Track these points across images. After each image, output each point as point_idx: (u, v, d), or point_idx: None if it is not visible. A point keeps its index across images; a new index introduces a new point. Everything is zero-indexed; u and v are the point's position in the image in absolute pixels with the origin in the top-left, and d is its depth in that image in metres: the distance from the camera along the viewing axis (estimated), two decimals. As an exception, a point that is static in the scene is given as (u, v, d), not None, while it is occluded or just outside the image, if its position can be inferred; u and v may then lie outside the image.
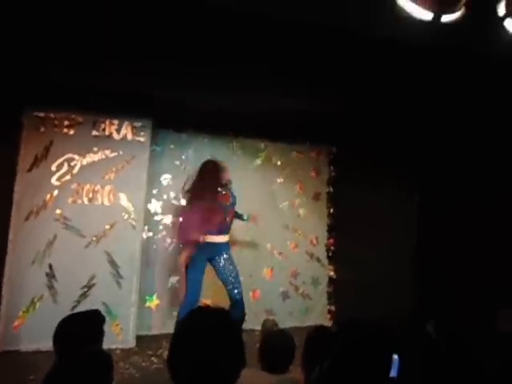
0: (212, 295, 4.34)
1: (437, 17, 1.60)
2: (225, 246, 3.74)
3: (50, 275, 3.89)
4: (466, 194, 3.46)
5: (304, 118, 4.46)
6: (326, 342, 1.54)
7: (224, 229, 3.72)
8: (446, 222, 3.62)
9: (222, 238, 3.70)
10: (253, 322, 4.69)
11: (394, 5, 1.62)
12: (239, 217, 4.03)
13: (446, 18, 1.63)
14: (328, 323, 5.05)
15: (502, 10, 1.67)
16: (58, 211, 3.98)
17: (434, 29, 1.59)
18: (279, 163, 5.17)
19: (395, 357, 0.85)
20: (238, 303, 3.56)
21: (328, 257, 5.23)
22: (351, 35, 2.31)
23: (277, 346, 2.07)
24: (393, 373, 0.85)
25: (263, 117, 4.43)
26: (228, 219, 3.74)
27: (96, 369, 1.17)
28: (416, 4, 1.59)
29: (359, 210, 4.67)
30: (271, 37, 2.79)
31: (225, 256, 3.66)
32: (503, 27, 1.70)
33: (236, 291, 3.60)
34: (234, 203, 3.85)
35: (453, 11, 1.61)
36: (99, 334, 1.75)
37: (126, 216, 4.17)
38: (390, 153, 4.22)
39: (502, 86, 2.62)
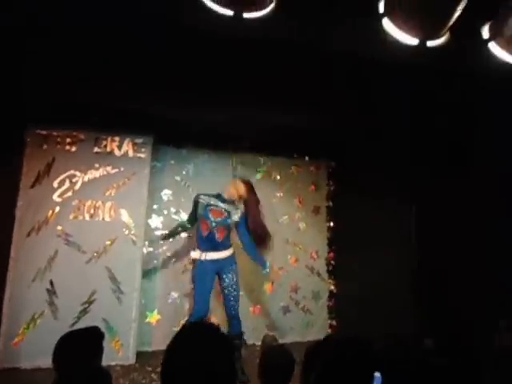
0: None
1: (422, 42, 1.67)
2: (230, 261, 3.74)
3: (51, 291, 3.90)
4: (465, 206, 3.48)
5: (303, 133, 4.52)
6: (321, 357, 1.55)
7: (221, 245, 3.72)
8: (446, 235, 3.63)
9: (220, 255, 3.71)
10: (253, 337, 4.67)
11: (381, 28, 1.69)
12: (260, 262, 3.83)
13: (432, 43, 1.69)
14: (329, 338, 5.02)
15: (485, 33, 1.73)
16: (60, 227, 4.02)
17: (421, 52, 1.65)
18: (279, 178, 5.23)
19: (377, 375, 0.88)
20: (233, 319, 3.67)
21: (328, 271, 5.23)
22: (346, 55, 2.38)
23: (276, 362, 2.07)
24: None
25: (262, 132, 4.50)
26: (218, 236, 3.70)
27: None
28: (402, 31, 1.66)
29: (359, 223, 4.68)
30: (269, 56, 2.87)
31: (230, 273, 3.70)
32: (487, 50, 1.75)
33: (232, 308, 3.68)
34: (225, 222, 3.73)
35: (438, 37, 1.67)
36: (98, 351, 1.76)
37: (127, 232, 4.21)
38: (387, 166, 4.26)
39: (487, 106, 2.69)
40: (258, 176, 5.15)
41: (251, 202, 3.76)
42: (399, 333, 3.66)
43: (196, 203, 3.84)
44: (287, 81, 3.19)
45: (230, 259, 3.74)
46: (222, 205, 3.77)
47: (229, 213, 3.76)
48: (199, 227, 3.77)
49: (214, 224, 3.69)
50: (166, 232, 4.19)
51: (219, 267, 3.69)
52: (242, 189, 3.76)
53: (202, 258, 3.67)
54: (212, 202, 3.77)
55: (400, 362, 1.63)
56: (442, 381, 1.55)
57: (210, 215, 3.72)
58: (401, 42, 1.65)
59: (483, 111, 2.85)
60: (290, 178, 5.26)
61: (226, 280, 3.68)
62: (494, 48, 1.73)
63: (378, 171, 4.37)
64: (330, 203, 5.37)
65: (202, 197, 3.82)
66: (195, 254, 3.73)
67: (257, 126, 4.34)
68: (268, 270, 3.83)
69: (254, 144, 4.89)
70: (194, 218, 3.88)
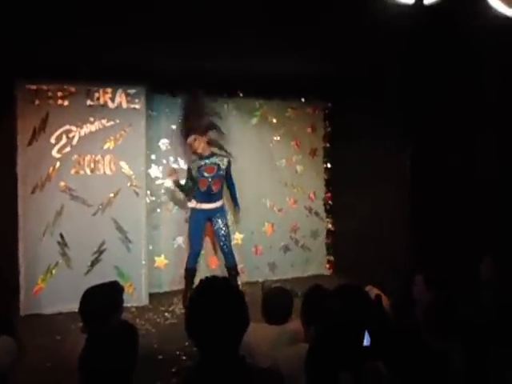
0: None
1: (419, 1, 1.61)
2: (219, 210, 4.38)
3: (62, 244, 4.09)
4: (459, 146, 3.55)
5: (298, 75, 4.42)
6: (319, 302, 1.72)
7: (214, 197, 4.32)
8: (439, 174, 3.74)
9: (211, 205, 4.32)
10: (256, 275, 5.01)
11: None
12: (234, 201, 4.57)
13: (428, 1, 1.63)
14: (327, 272, 5.37)
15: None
16: (62, 183, 4.10)
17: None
18: (275, 121, 5.21)
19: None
20: (226, 254, 4.37)
21: (326, 210, 5.43)
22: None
23: (276, 302, 2.27)
24: (366, 342, 1.03)
25: (257, 76, 4.40)
26: (214, 188, 4.28)
27: (125, 339, 1.35)
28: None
29: (355, 164, 4.77)
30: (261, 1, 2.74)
31: (220, 219, 4.35)
32: (486, 3, 1.69)
33: (225, 246, 4.36)
34: (218, 174, 4.29)
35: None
36: (120, 303, 1.94)
37: (129, 183, 4.30)
38: (384, 107, 4.23)
39: (484, 57, 2.63)
40: (254, 120, 5.13)
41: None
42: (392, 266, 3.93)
43: (189, 170, 4.36)
44: (280, 23, 3.08)
45: (220, 208, 4.39)
46: (209, 162, 4.29)
47: (218, 165, 4.30)
48: (198, 184, 4.31)
49: (210, 179, 4.26)
50: (180, 182, 4.43)
51: (210, 214, 4.34)
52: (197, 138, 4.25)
53: (197, 207, 4.32)
54: (202, 163, 4.29)
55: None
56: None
57: (205, 173, 4.26)
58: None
59: (479, 58, 2.80)
60: (287, 121, 5.24)
61: (217, 224, 4.33)
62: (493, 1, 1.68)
63: (374, 111, 4.36)
64: (327, 144, 5.41)
65: (192, 164, 4.35)
66: (191, 204, 4.38)
67: (251, 70, 4.23)
68: (239, 208, 4.62)
69: (249, 88, 4.79)
70: (191, 182, 4.36)
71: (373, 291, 2.27)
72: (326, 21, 2.98)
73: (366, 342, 1.02)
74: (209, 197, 4.28)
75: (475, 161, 3.23)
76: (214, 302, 1.20)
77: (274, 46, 3.49)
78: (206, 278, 1.30)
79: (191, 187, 4.34)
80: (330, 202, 5.40)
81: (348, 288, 1.57)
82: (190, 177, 4.35)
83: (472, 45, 2.58)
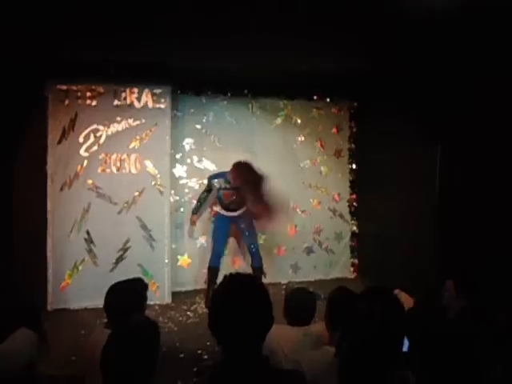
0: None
1: None
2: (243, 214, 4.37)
3: (89, 241, 4.18)
4: (489, 148, 3.39)
5: (323, 74, 4.36)
6: (345, 304, 1.67)
7: (233, 208, 4.33)
8: (468, 176, 3.59)
9: (237, 213, 4.35)
10: (278, 276, 4.96)
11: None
12: None
13: None
14: (351, 275, 5.26)
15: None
16: (90, 181, 4.19)
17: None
18: (299, 121, 5.15)
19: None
20: (254, 255, 4.37)
21: (351, 212, 5.31)
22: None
23: (299, 303, 2.22)
24: (405, 348, 0.97)
25: (282, 76, 4.36)
26: (232, 206, 4.31)
27: (147, 336, 1.35)
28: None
29: (381, 164, 4.65)
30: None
31: (243, 222, 4.36)
32: None
33: (252, 247, 4.38)
34: (237, 199, 4.25)
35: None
36: (143, 300, 1.95)
37: (153, 182, 4.35)
38: (411, 106, 4.11)
39: None
40: (279, 120, 5.09)
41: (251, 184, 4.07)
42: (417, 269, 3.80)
43: (210, 184, 4.33)
44: (306, 22, 3.03)
45: (244, 212, 4.34)
46: (231, 189, 4.20)
47: (238, 189, 4.16)
48: (220, 197, 4.34)
49: (227, 203, 4.32)
50: (194, 207, 4.51)
51: (233, 220, 4.39)
52: (245, 175, 4.04)
53: (222, 212, 4.39)
54: (223, 186, 4.25)
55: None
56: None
57: (223, 197, 4.31)
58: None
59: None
60: (311, 121, 5.17)
61: (242, 225, 4.37)
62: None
63: (401, 111, 4.23)
64: (352, 145, 5.30)
65: (215, 181, 4.29)
66: (216, 208, 4.48)
67: (275, 69, 4.20)
68: None
69: (273, 88, 4.76)
70: (208, 192, 4.39)
71: (401, 295, 2.19)
72: (352, 18, 2.93)
73: (405, 347, 0.96)
74: (231, 209, 4.33)
75: (509, 162, 3.07)
76: (237, 297, 1.17)
77: (299, 45, 3.45)
78: (230, 273, 1.27)
79: (203, 202, 4.43)
80: (354, 203, 5.29)
81: (377, 291, 1.51)
82: (208, 189, 4.35)
83: (507, 41, 2.45)
